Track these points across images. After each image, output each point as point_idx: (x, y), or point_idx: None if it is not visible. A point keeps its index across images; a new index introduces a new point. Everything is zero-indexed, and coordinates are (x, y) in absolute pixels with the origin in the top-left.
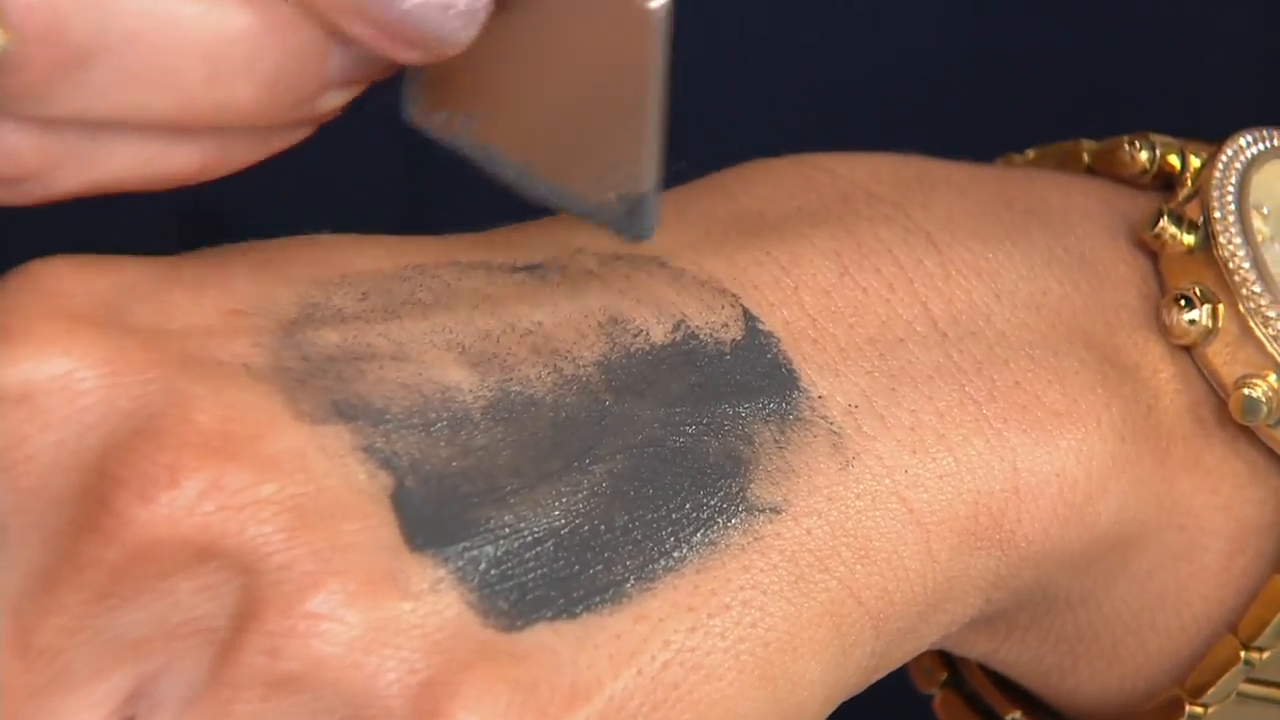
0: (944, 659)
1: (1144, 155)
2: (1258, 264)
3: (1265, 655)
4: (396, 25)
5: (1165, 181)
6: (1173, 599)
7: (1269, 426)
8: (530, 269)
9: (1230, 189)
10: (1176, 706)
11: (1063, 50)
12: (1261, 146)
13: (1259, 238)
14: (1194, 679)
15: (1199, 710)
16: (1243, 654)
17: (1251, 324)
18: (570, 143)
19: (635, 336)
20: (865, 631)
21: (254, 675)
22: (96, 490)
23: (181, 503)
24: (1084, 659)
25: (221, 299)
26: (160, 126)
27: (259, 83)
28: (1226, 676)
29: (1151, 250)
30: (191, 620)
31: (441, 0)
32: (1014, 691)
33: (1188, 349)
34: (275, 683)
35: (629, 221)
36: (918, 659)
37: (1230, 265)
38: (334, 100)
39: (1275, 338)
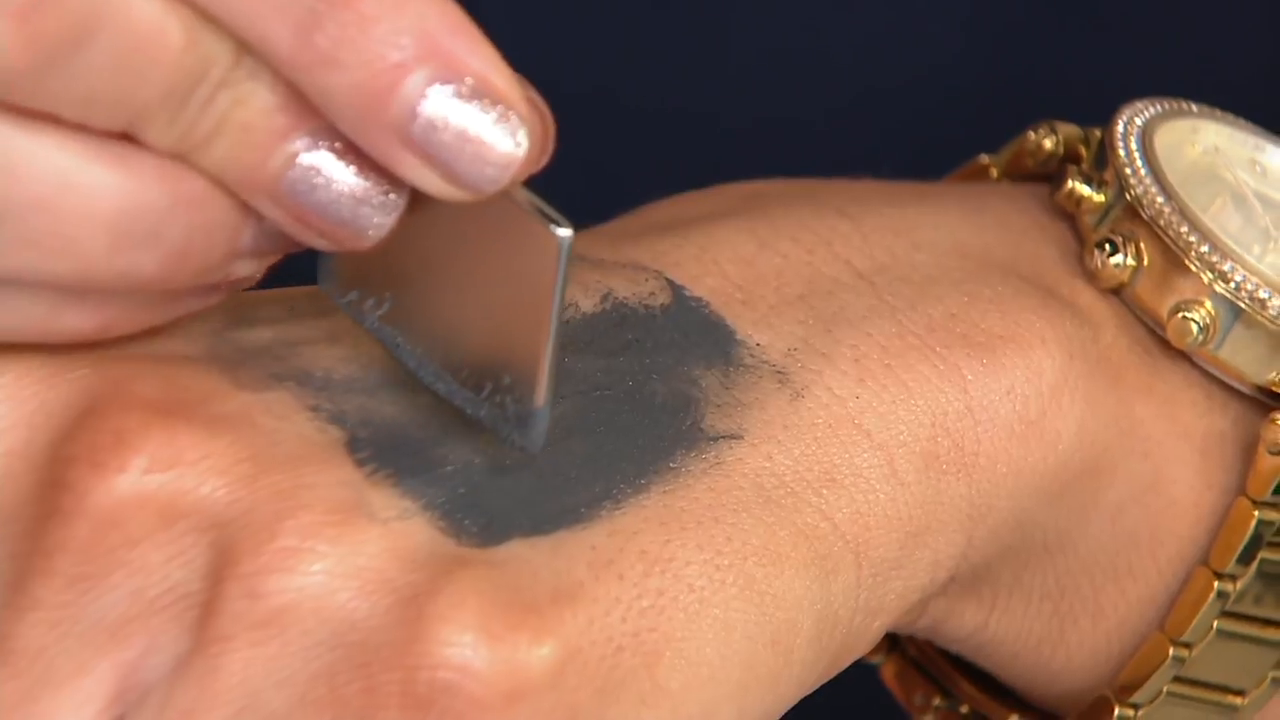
0: (937, 686)
1: (1048, 141)
2: (1173, 197)
3: (1194, 651)
4: (310, 214)
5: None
6: (1147, 539)
7: (1211, 352)
8: None
9: (1134, 140)
10: (1105, 707)
11: (1063, 52)
12: (1158, 108)
13: (1170, 180)
14: (1123, 678)
15: (1129, 713)
16: (1171, 651)
17: (1179, 255)
18: (471, 347)
19: (565, 309)
20: (845, 555)
21: (237, 621)
22: (51, 477)
23: (135, 464)
24: (1069, 619)
25: None
26: (57, 288)
27: (164, 253)
28: (1156, 675)
29: (1068, 214)
30: (167, 591)
31: (355, 195)
32: (1010, 701)
33: (1117, 292)
34: (260, 623)
35: (520, 432)
36: (908, 687)
37: (1145, 201)
38: (246, 269)
39: (1204, 265)
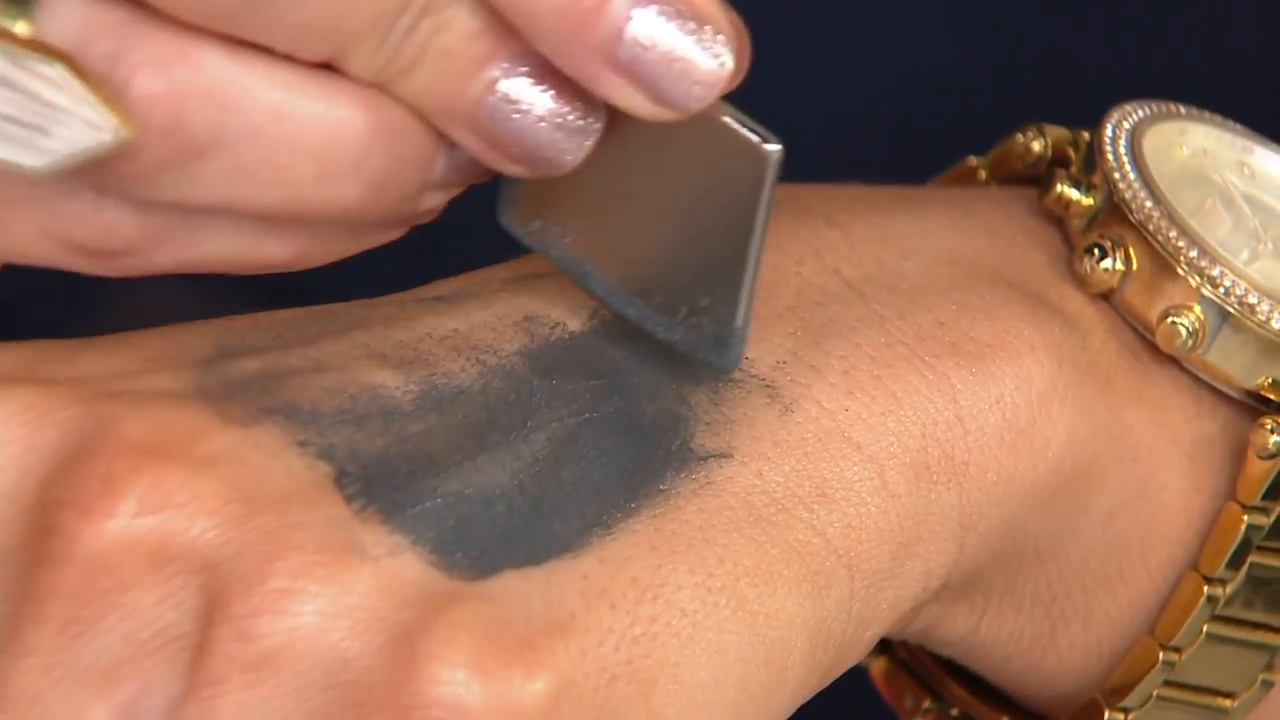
0: (927, 689)
1: (1037, 144)
2: (1161, 201)
3: (1184, 655)
4: (508, 141)
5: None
6: (1137, 544)
7: (1200, 357)
8: (439, 298)
9: (1123, 144)
10: (1095, 711)
11: (1066, 50)
12: (1146, 111)
13: (1158, 184)
14: (1113, 681)
15: (1119, 716)
16: (1161, 655)
17: (1168, 259)
18: (666, 269)
19: (553, 329)
20: (838, 570)
21: (230, 664)
22: (41, 522)
23: (124, 509)
24: (1061, 623)
25: (137, 351)
26: (262, 217)
27: (365, 183)
28: (1146, 679)
29: (1057, 218)
30: (159, 633)
31: (554, 120)
32: (1000, 704)
33: (1106, 297)
34: (253, 666)
35: (717, 353)
36: (898, 690)
37: (1133, 205)
38: (433, 200)
39: (1192, 270)
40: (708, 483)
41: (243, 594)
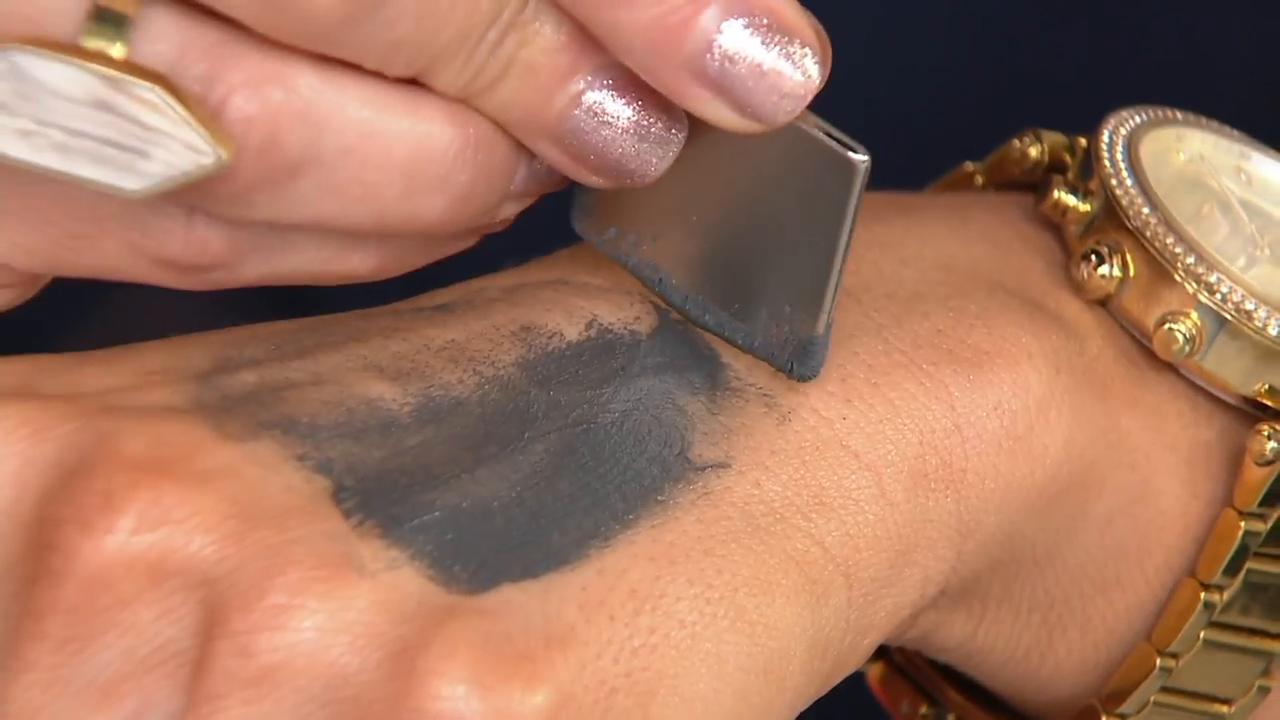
0: (924, 694)
1: (1034, 150)
2: (1158, 208)
3: (1181, 661)
4: (592, 154)
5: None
6: (1135, 550)
7: (1197, 363)
8: (436, 308)
9: (1120, 149)
10: (1092, 716)
11: (1064, 55)
12: (1143, 117)
13: (1155, 190)
14: (1110, 687)
15: None
16: (1158, 661)
17: (1165, 266)
18: (746, 276)
19: (550, 338)
20: (836, 579)
21: (230, 680)
22: (40, 538)
23: (123, 525)
24: (1058, 629)
25: (134, 365)
26: (347, 232)
27: (451, 196)
28: (1143, 685)
29: (1054, 224)
30: (159, 649)
31: (638, 132)
32: (997, 709)
33: (1103, 303)
34: (252, 681)
35: (799, 362)
36: (894, 695)
37: (1130, 212)
38: (510, 210)
39: (1189, 276)
40: (705, 493)
41: (242, 609)
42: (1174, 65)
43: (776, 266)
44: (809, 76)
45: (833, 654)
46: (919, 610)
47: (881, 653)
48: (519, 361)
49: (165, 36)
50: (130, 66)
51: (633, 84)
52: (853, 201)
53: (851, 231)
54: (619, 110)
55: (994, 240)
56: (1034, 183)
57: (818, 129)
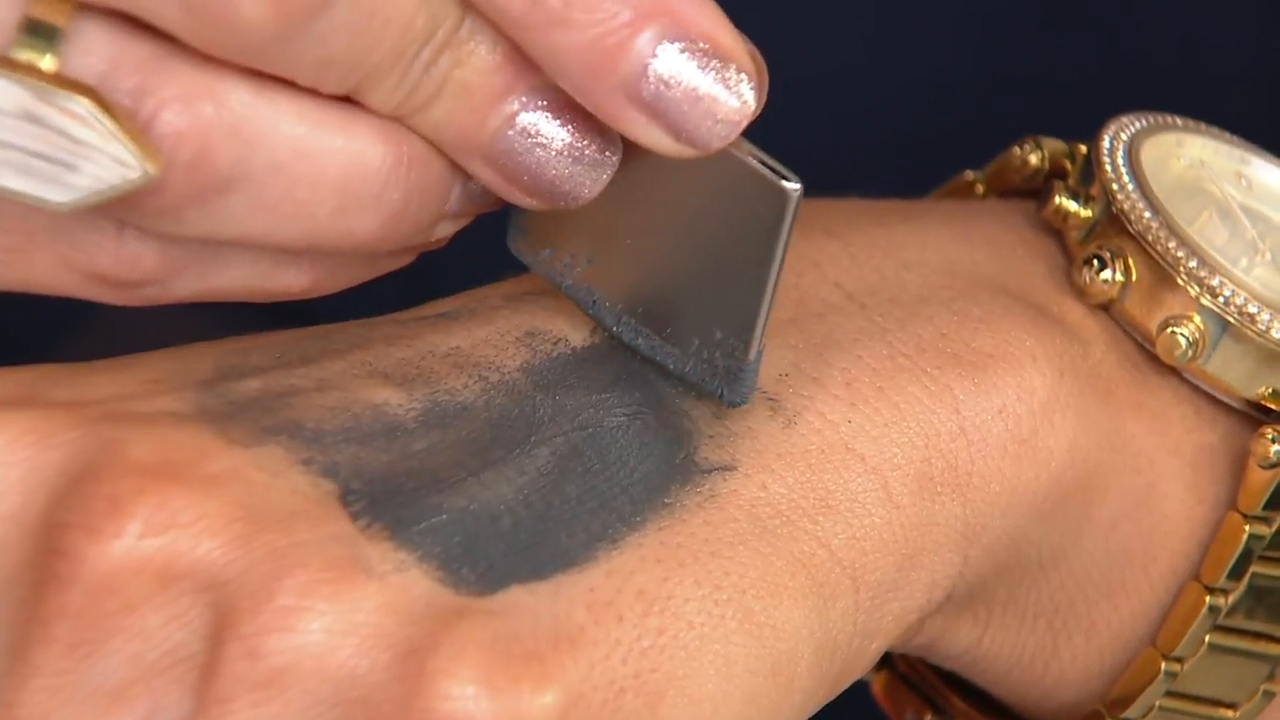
0: (928, 702)
1: (1034, 157)
2: (1160, 212)
3: (1186, 666)
4: (524, 174)
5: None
6: (1139, 554)
7: (1200, 367)
8: (440, 316)
9: (1120, 155)
10: None
11: (1063, 62)
12: (1143, 123)
13: (1157, 194)
14: (1115, 693)
15: None
16: (1163, 666)
17: (1167, 270)
18: (679, 301)
19: (555, 344)
20: (843, 581)
21: (240, 682)
22: (47, 543)
23: (131, 530)
24: (1063, 635)
25: (139, 374)
26: (280, 250)
27: (384, 215)
28: (1148, 690)
29: (1055, 230)
30: (167, 653)
31: (571, 154)
32: (1002, 717)
33: (1105, 308)
34: (262, 683)
35: (729, 388)
36: (899, 704)
37: (1133, 217)
38: (446, 229)
39: (1192, 279)
40: (712, 495)
41: (250, 612)
42: (1175, 71)
43: (709, 292)
44: (744, 102)
45: (840, 657)
46: (926, 615)
47: (885, 662)
48: (524, 367)
49: (97, 49)
50: (60, 79)
51: (567, 106)
52: (784, 230)
53: (783, 260)
54: (553, 132)
55: (996, 245)
56: (1035, 190)
57: (752, 156)
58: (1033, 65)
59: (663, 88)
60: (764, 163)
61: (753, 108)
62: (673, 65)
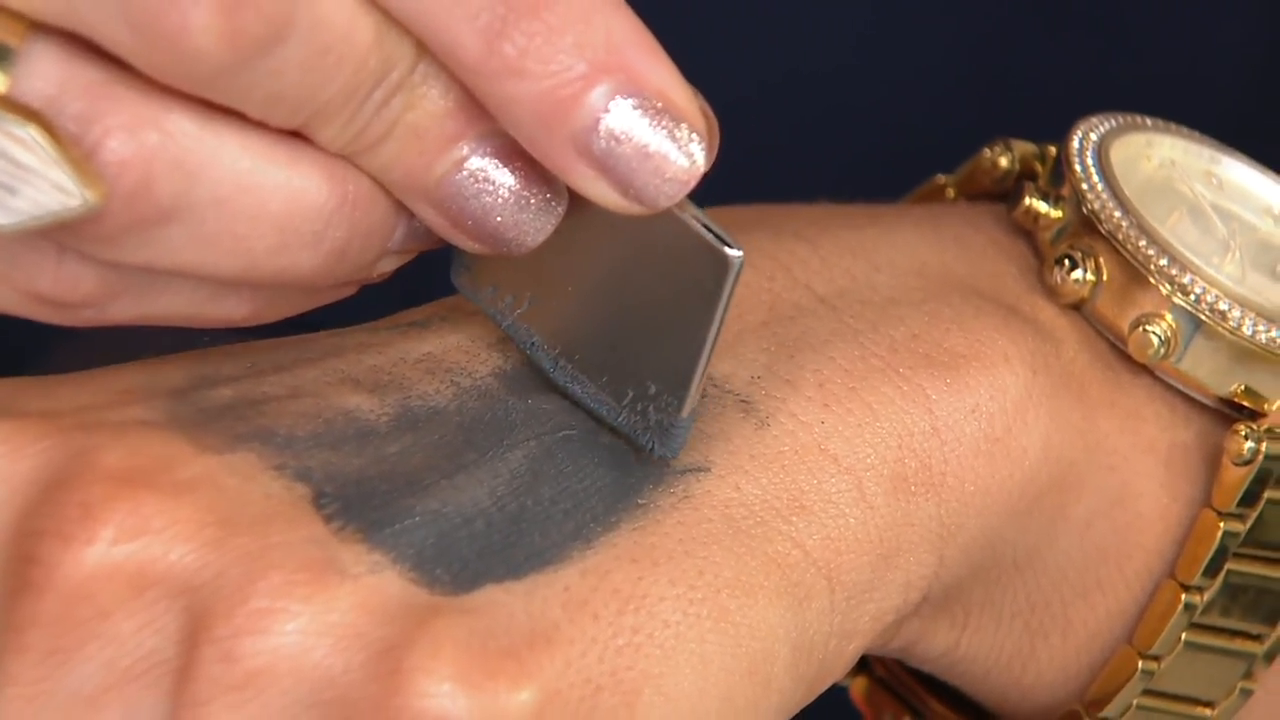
0: (906, 705)
1: (1004, 159)
2: (1130, 211)
3: (1163, 664)
4: (469, 219)
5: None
6: (1114, 552)
7: (1173, 365)
8: (412, 324)
9: (1090, 155)
10: None
11: (1058, 63)
12: (1112, 123)
13: (1127, 194)
14: (1093, 692)
15: None
16: (1140, 664)
17: (1138, 268)
18: (616, 352)
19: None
20: (818, 581)
21: (215, 685)
22: (20, 551)
23: (103, 536)
24: (1040, 635)
25: (111, 384)
26: (218, 281)
27: (324, 253)
28: (1125, 688)
29: (1026, 231)
30: (142, 659)
31: (517, 201)
32: (980, 718)
33: (1077, 307)
34: (237, 686)
35: (660, 442)
36: (877, 708)
37: (1102, 216)
38: (388, 265)
39: (1163, 278)
40: (686, 496)
41: (225, 615)
42: (1171, 72)
43: (646, 347)
44: (694, 162)
45: (817, 658)
46: (903, 616)
47: (863, 665)
48: (496, 372)
49: (47, 72)
50: (9, 103)
51: (516, 153)
52: (725, 295)
53: (722, 323)
54: (500, 178)
55: (967, 246)
56: (1006, 193)
57: (696, 220)
58: (1027, 67)
59: (613, 143)
60: (708, 227)
61: (701, 168)
62: (625, 121)
